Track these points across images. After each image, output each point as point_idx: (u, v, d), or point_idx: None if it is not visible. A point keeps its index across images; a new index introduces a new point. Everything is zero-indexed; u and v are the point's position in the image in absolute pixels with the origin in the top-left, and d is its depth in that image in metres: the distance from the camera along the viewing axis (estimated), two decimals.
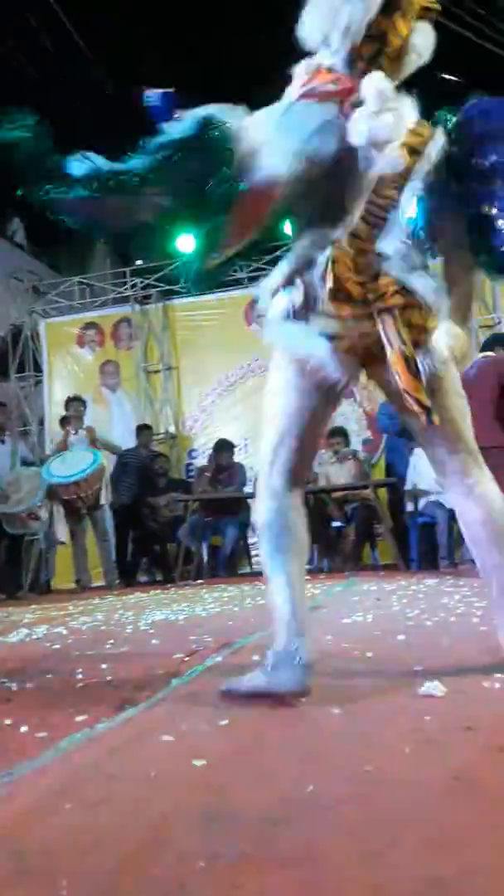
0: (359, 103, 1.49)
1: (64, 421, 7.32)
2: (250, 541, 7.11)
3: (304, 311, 1.55)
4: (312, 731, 1.21)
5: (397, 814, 0.82)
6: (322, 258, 1.53)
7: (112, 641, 2.47)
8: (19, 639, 2.79)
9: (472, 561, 4.78)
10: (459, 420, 1.63)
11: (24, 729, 1.29)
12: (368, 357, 1.58)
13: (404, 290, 1.54)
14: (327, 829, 0.79)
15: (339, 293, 1.52)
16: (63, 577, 7.14)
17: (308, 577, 5.34)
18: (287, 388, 1.61)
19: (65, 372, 8.82)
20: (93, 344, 8.74)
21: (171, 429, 8.31)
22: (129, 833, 0.81)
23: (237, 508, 6.82)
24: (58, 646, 2.48)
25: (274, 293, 1.62)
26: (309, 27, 1.56)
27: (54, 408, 8.45)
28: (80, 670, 1.88)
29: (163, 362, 8.37)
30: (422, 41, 1.58)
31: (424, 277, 1.58)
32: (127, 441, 7.47)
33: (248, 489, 6.70)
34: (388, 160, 1.50)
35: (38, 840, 0.81)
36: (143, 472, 7.20)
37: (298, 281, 1.56)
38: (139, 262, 9.51)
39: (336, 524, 6.61)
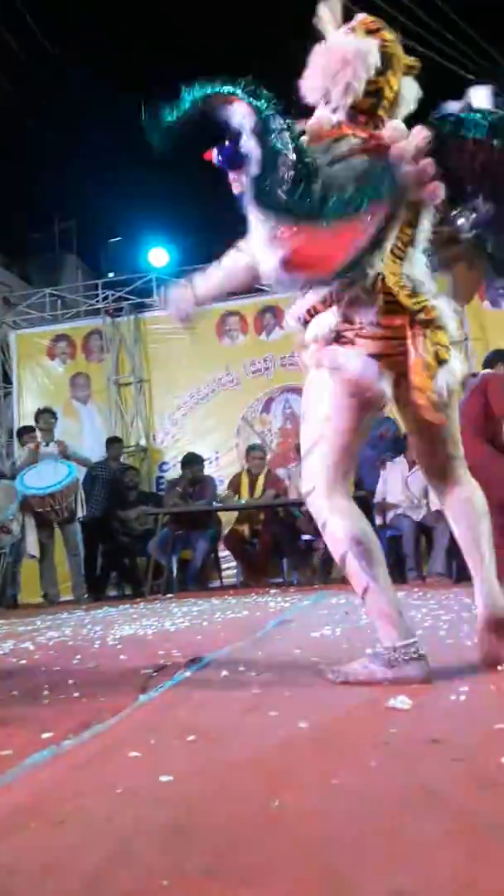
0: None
1: (23, 432, 7.25)
2: (221, 554, 7.11)
3: (348, 334, 1.70)
4: (279, 746, 1.21)
5: (362, 827, 0.83)
6: (367, 278, 1.65)
7: (79, 657, 2.45)
8: None
9: (440, 574, 4.87)
10: (458, 433, 1.88)
11: None
12: (397, 378, 1.74)
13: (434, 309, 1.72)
14: (292, 843, 0.79)
15: (392, 304, 1.67)
16: (30, 592, 7.05)
17: (276, 591, 5.37)
18: (340, 409, 1.74)
19: (35, 384, 8.76)
20: (64, 356, 8.70)
21: (142, 442, 8.28)
22: (95, 849, 0.81)
23: (208, 522, 6.81)
24: (24, 661, 2.45)
25: (306, 319, 1.77)
26: (310, 86, 1.76)
27: (24, 420, 8.37)
28: (47, 686, 1.86)
29: (134, 375, 8.35)
30: (408, 93, 1.83)
31: (445, 301, 1.76)
32: (97, 454, 7.43)
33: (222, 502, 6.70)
34: (429, 194, 1.68)
35: (2, 858, 0.80)
36: (113, 485, 7.15)
37: (339, 304, 1.70)
38: (111, 274, 9.50)
39: (305, 537, 6.63)
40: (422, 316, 1.68)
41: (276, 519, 6.71)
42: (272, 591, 5.57)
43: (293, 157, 1.56)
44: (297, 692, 1.64)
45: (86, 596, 6.50)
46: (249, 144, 1.58)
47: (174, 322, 2.05)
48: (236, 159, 1.65)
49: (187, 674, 1.95)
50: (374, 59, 1.72)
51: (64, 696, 1.76)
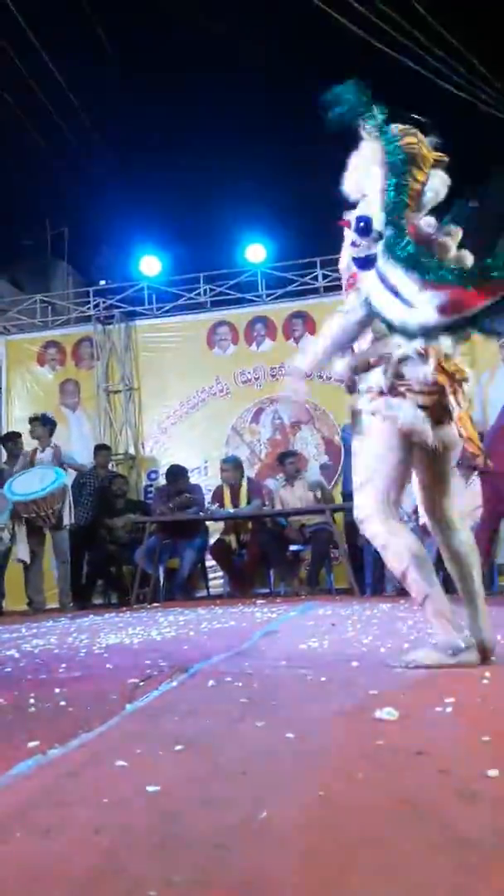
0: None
1: (7, 438, 7.22)
2: (208, 564, 7.10)
3: (400, 388, 2.07)
4: (266, 756, 1.21)
5: (349, 839, 0.83)
6: (412, 349, 2.03)
7: (65, 665, 2.44)
8: None
9: None
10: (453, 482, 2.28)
11: None
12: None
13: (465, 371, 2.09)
14: (280, 855, 0.79)
15: (439, 367, 2.01)
16: (14, 599, 7.00)
17: (263, 602, 5.37)
18: (393, 448, 2.09)
19: (24, 390, 8.73)
20: (53, 362, 8.68)
21: (131, 450, 8.26)
22: (81, 860, 0.80)
23: (195, 531, 6.81)
24: (9, 669, 2.44)
25: (363, 368, 2.15)
26: (350, 186, 2.20)
27: (13, 425, 8.33)
28: (33, 695, 1.85)
29: (124, 383, 8.35)
30: (438, 183, 2.16)
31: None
32: (85, 461, 7.41)
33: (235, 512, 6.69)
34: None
35: None
36: (101, 492, 7.13)
37: (394, 360, 2.07)
38: (102, 282, 9.51)
39: (293, 548, 6.64)
40: (459, 376, 2.04)
41: (263, 529, 6.71)
42: (259, 601, 5.57)
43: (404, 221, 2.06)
44: (284, 703, 1.64)
45: (71, 604, 6.47)
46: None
47: (299, 419, 2.44)
48: (369, 230, 2.08)
49: (174, 683, 1.95)
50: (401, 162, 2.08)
51: (50, 704, 1.75)
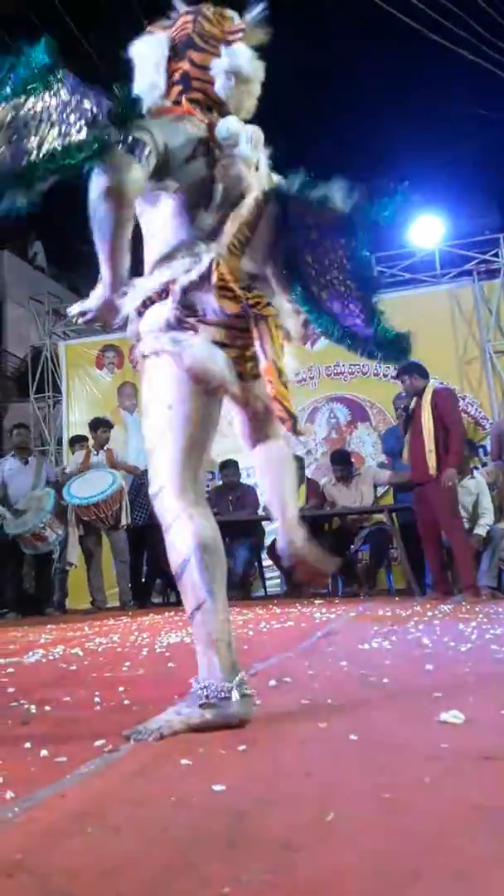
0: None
1: (75, 441, 7.38)
2: (265, 563, 7.11)
3: (190, 320, 1.62)
4: (330, 758, 1.21)
5: (418, 844, 0.82)
6: (203, 262, 1.60)
7: (128, 664, 2.48)
8: (36, 659, 2.80)
9: (490, 587, 4.83)
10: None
11: (43, 752, 1.30)
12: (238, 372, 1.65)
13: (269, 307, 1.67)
14: (348, 858, 0.79)
15: (225, 290, 1.59)
16: (76, 598, 7.16)
17: (321, 602, 5.35)
18: (189, 396, 1.61)
19: (83, 393, 8.92)
20: (111, 366, 8.84)
21: None
22: (152, 857, 0.82)
23: (248, 531, 6.83)
24: (74, 667, 2.49)
25: (140, 310, 1.68)
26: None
27: (73, 429, 8.53)
28: (98, 693, 1.89)
29: None
30: (236, 62, 1.73)
31: (282, 300, 1.74)
32: (143, 462, 7.51)
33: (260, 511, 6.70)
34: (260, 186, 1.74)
35: (61, 863, 0.82)
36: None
37: (177, 289, 1.61)
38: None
39: (352, 547, 6.60)
40: (257, 311, 1.62)
41: (321, 529, 6.69)
42: (317, 601, 5.55)
43: None
44: (346, 705, 1.63)
45: (131, 602, 6.58)
46: None
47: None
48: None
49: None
50: (162, 51, 1.76)
51: (114, 703, 1.78)
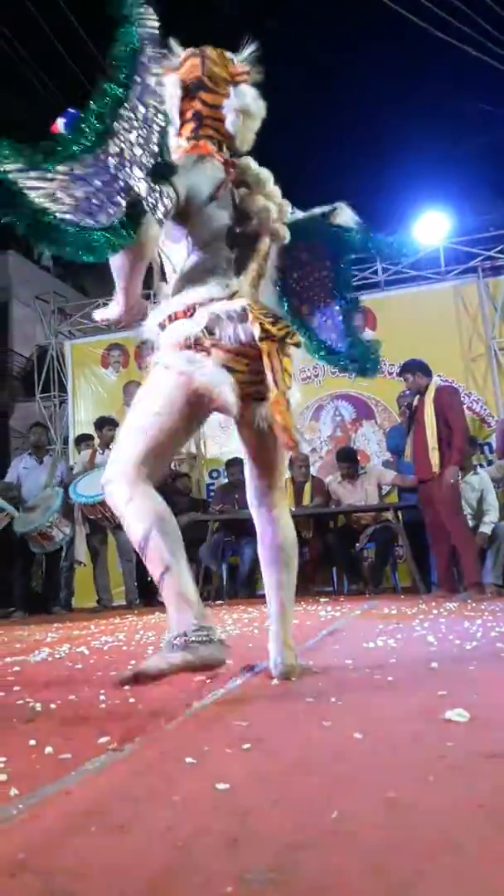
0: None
1: (81, 440, 7.41)
2: None
3: (205, 343, 1.77)
4: (334, 756, 1.21)
5: (423, 843, 0.82)
6: (233, 302, 1.78)
7: (134, 662, 2.48)
8: (42, 657, 2.81)
9: (497, 585, 4.84)
10: (285, 464, 2.06)
11: (48, 750, 1.30)
12: (243, 394, 1.79)
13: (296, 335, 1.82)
14: (353, 856, 0.79)
15: (265, 332, 1.72)
16: (83, 597, 7.17)
17: (326, 600, 5.35)
18: (171, 408, 1.78)
19: (89, 392, 8.93)
20: (117, 365, 8.85)
21: (192, 448, 8.35)
22: (156, 855, 0.82)
23: (254, 529, 6.84)
24: (80, 666, 2.50)
25: (164, 324, 1.85)
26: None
27: (78, 427, 8.54)
28: (103, 691, 1.89)
29: None
30: (244, 101, 1.94)
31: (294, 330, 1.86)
32: None
33: None
34: (282, 232, 1.96)
35: (65, 861, 0.82)
36: (164, 491, 7.23)
37: (202, 313, 1.78)
38: (163, 283, 9.60)
39: (357, 546, 6.59)
40: (290, 340, 1.76)
41: (326, 527, 6.68)
42: (322, 599, 5.55)
43: None
44: (351, 702, 1.63)
45: (137, 601, 6.59)
46: None
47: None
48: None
49: (239, 681, 1.96)
50: (175, 92, 1.94)
51: (119, 701, 1.78)
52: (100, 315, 2.03)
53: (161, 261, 1.98)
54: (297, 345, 1.80)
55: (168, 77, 1.90)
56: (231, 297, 1.80)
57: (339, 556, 6.56)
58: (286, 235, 1.98)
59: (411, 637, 2.77)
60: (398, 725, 1.41)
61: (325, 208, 2.05)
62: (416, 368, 5.31)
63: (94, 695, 1.86)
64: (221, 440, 8.15)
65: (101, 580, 6.67)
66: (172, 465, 7.80)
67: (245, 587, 6.72)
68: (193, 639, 1.63)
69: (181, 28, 1.98)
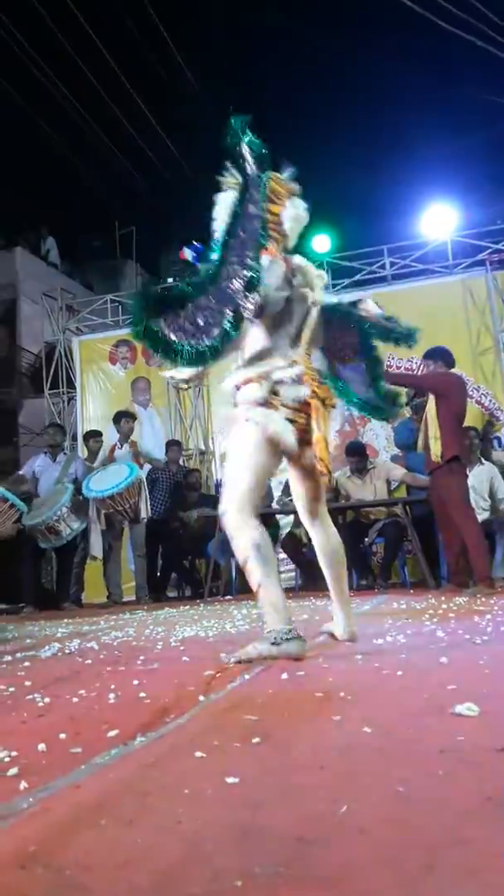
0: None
1: (89, 436, 7.44)
2: (279, 557, 7.11)
3: (274, 402, 2.37)
4: (344, 750, 1.21)
5: (432, 836, 0.82)
6: (292, 370, 2.39)
7: (143, 657, 2.49)
8: (52, 653, 2.82)
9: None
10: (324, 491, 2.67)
11: (58, 744, 1.31)
12: (299, 440, 2.40)
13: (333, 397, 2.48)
14: (362, 850, 0.79)
15: (313, 394, 2.38)
16: (93, 592, 7.20)
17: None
18: (259, 450, 2.37)
19: (97, 388, 8.95)
20: (125, 361, 8.87)
21: (201, 445, 8.35)
22: (165, 849, 0.82)
23: (265, 524, 6.83)
24: (90, 661, 2.51)
25: (244, 383, 2.42)
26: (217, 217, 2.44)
27: (87, 424, 8.56)
28: (113, 686, 1.90)
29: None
30: (296, 212, 2.41)
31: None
32: (157, 457, 7.55)
33: (274, 505, 6.70)
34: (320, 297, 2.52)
35: (75, 854, 0.82)
36: (174, 487, 7.24)
37: (271, 380, 2.38)
38: (170, 280, 9.63)
39: (366, 540, 6.58)
40: (327, 401, 2.44)
41: (335, 522, 6.68)
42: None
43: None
44: (360, 697, 1.63)
45: (147, 597, 6.61)
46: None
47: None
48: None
49: (248, 676, 1.96)
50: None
51: (129, 696, 1.79)
52: (169, 374, 2.71)
53: None
54: (334, 406, 2.47)
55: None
56: (291, 364, 2.39)
57: (348, 551, 6.55)
58: (322, 299, 2.52)
59: (421, 632, 2.76)
60: (407, 720, 1.41)
61: (354, 298, 2.64)
62: (438, 356, 5.20)
63: (104, 690, 1.87)
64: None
65: (113, 576, 6.69)
66: (182, 462, 7.82)
67: None
68: (282, 636, 2.20)
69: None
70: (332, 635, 2.70)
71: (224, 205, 2.34)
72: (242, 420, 2.39)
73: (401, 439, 6.57)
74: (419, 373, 5.60)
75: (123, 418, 7.02)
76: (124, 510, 6.31)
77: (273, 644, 2.18)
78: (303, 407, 2.37)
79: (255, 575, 2.27)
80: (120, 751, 1.26)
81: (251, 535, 2.29)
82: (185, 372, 2.59)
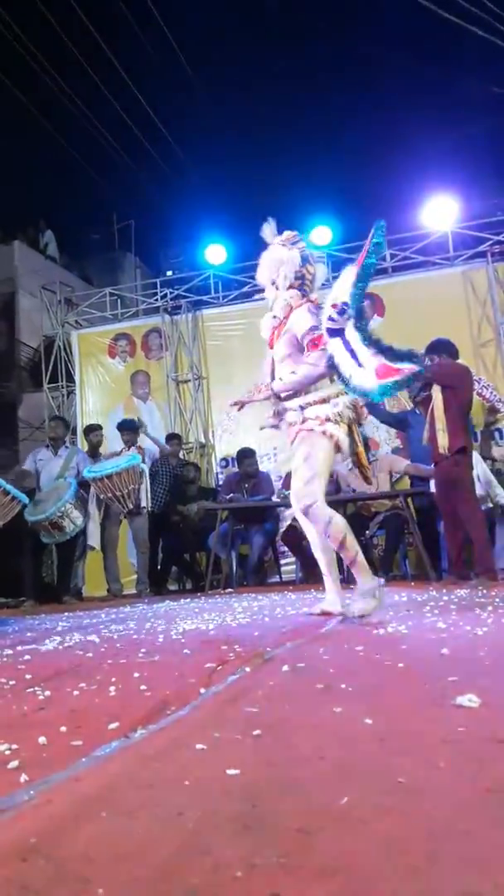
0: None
1: (89, 430, 7.45)
2: (280, 549, 7.11)
3: (336, 418, 3.17)
4: (344, 742, 1.20)
5: (433, 827, 0.82)
6: (347, 397, 3.17)
7: (144, 650, 2.49)
8: (53, 646, 2.82)
9: None
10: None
11: (58, 737, 1.31)
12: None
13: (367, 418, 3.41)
14: (363, 841, 0.79)
15: (357, 414, 3.22)
16: (93, 585, 7.20)
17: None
18: (330, 456, 3.18)
19: (96, 382, 8.94)
20: (124, 354, 8.85)
21: (201, 438, 8.35)
22: (166, 841, 0.82)
23: (264, 517, 6.83)
24: (90, 654, 2.51)
25: (306, 406, 3.25)
26: (261, 276, 3.58)
27: (86, 418, 8.55)
28: (114, 679, 1.90)
29: (192, 372, 8.43)
30: (323, 271, 3.56)
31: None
32: (164, 444, 7.55)
33: (275, 498, 6.69)
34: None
35: (76, 847, 0.82)
36: (173, 480, 7.24)
37: (335, 402, 3.19)
38: (169, 273, 9.62)
39: (367, 533, 6.58)
40: (361, 419, 3.27)
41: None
42: None
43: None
44: (361, 689, 1.63)
45: (147, 590, 6.61)
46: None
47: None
48: (344, 312, 2.96)
49: (249, 669, 1.96)
50: (297, 261, 3.42)
51: (130, 689, 1.79)
52: (239, 402, 3.89)
53: (274, 365, 3.51)
54: (361, 424, 3.28)
55: (293, 252, 3.45)
56: (339, 393, 3.17)
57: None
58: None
59: (422, 623, 2.76)
60: (408, 711, 1.41)
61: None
62: (442, 349, 5.18)
63: (104, 683, 1.87)
64: (231, 431, 8.16)
65: (112, 569, 6.69)
66: (182, 455, 7.82)
67: (254, 575, 6.73)
68: (375, 591, 3.02)
69: None
70: (325, 612, 3.27)
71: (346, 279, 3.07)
72: (319, 432, 3.15)
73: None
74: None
75: (126, 430, 7.01)
76: (122, 496, 6.29)
77: (372, 597, 2.99)
78: (351, 423, 3.17)
79: (353, 547, 3.03)
80: (121, 743, 1.26)
81: (338, 519, 3.09)
82: (258, 396, 3.60)
